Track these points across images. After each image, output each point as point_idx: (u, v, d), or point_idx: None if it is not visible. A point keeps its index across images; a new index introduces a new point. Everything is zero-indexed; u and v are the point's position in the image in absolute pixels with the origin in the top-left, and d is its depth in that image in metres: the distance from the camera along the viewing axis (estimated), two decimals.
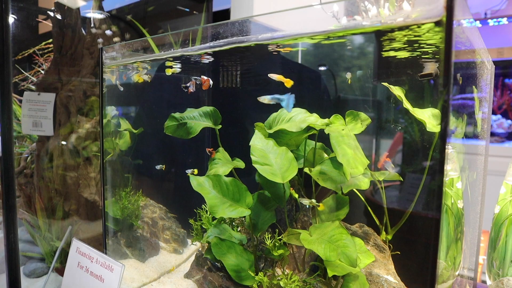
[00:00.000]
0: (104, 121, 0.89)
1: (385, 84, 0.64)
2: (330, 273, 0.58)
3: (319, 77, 0.90)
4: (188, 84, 0.73)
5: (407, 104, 0.63)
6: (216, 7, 1.56)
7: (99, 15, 1.57)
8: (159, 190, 0.99)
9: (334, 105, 0.83)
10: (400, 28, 0.55)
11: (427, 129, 0.62)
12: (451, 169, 0.74)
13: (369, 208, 0.69)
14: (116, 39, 1.48)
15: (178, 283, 0.84)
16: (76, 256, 0.88)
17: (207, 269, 0.78)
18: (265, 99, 0.63)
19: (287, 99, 0.62)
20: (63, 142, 1.29)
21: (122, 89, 0.83)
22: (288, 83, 0.66)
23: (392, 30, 0.54)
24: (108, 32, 1.55)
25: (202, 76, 0.72)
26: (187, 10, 1.62)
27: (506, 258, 0.71)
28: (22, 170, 1.55)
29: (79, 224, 1.25)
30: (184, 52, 0.69)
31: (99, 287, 0.80)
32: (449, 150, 0.78)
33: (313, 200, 0.64)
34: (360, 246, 0.61)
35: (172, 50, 0.71)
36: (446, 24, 0.35)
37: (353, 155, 0.59)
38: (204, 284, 0.77)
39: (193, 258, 0.85)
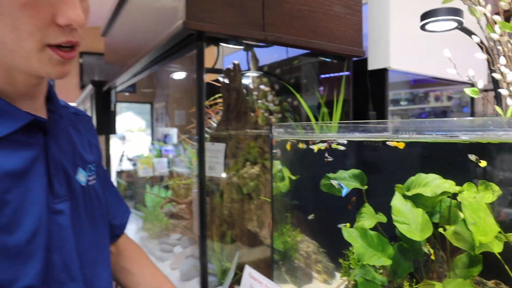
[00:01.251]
0: (274, 171, 1.16)
1: None
2: None
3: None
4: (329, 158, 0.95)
5: None
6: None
7: (255, 74, 1.90)
8: (312, 229, 1.21)
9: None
10: None
11: None
12: None
13: (507, 267, 0.77)
14: (269, 93, 1.78)
15: None
16: (249, 280, 1.14)
17: None
18: (334, 182, 0.87)
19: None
20: (230, 182, 1.61)
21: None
22: (401, 145, 0.81)
23: None
24: (262, 87, 1.87)
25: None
26: (329, 60, 1.81)
27: None
28: None
29: (242, 250, 1.55)
30: (341, 138, 0.89)
31: None
32: None
33: (430, 250, 0.76)
34: None
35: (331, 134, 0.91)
36: None
37: (483, 224, 0.70)
38: None
39: None
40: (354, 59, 1.67)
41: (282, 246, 1.17)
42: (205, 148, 1.28)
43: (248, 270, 1.16)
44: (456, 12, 0.98)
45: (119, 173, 3.20)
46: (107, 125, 2.84)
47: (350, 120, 1.58)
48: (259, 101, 1.87)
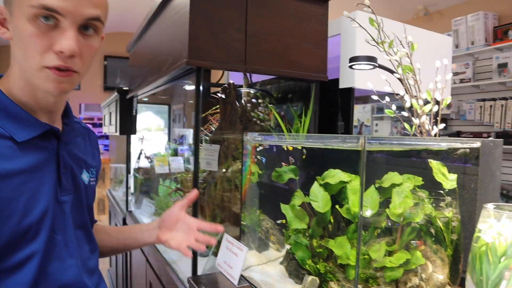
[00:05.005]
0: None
1: None
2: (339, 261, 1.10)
3: None
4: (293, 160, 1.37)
5: None
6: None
7: (246, 90, 2.35)
8: (271, 211, 1.64)
9: None
10: None
11: None
12: None
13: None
14: (260, 108, 2.22)
15: (275, 266, 1.46)
16: (225, 243, 1.57)
17: (290, 259, 1.38)
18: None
19: None
20: (222, 175, 2.06)
21: None
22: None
23: None
24: (253, 100, 2.31)
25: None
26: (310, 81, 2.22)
27: None
28: None
29: (229, 227, 1.99)
30: (298, 144, 1.31)
31: (234, 259, 1.45)
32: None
33: (332, 220, 1.16)
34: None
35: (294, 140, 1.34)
36: None
37: (356, 202, 1.12)
38: (288, 267, 1.37)
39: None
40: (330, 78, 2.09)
41: (250, 222, 1.60)
42: (201, 149, 1.73)
43: (225, 236, 1.60)
44: (371, 59, 1.39)
45: (137, 170, 3.50)
46: (129, 127, 3.36)
47: (317, 127, 1.99)
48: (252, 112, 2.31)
